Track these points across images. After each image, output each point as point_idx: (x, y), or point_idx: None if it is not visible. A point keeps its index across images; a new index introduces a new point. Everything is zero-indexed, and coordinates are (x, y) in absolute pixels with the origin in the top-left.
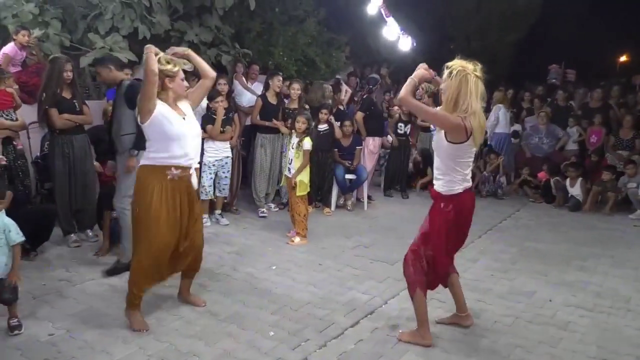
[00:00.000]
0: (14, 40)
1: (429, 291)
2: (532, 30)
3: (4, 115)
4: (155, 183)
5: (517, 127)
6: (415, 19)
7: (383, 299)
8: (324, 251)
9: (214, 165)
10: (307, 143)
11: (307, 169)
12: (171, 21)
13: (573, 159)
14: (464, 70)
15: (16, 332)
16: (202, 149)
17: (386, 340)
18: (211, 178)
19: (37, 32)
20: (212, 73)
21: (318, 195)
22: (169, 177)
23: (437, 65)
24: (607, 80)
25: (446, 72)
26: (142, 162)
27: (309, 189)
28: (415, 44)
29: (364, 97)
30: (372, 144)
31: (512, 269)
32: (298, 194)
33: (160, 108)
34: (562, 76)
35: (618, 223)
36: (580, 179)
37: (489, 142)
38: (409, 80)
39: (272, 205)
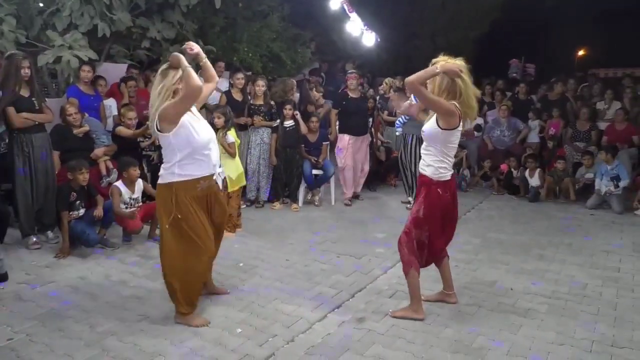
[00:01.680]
0: None
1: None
2: (493, 26)
3: None
4: (189, 197)
5: (479, 120)
6: (379, 16)
7: (350, 293)
8: (291, 247)
9: None
10: (230, 137)
11: (238, 165)
12: (132, 17)
13: (529, 150)
14: (440, 62)
15: None
16: None
17: (353, 333)
18: None
19: None
20: (216, 77)
21: (286, 192)
22: (199, 189)
23: (402, 62)
24: (566, 74)
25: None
26: (169, 178)
27: (241, 184)
28: (379, 40)
29: (339, 92)
30: (347, 140)
31: (475, 260)
32: (229, 190)
33: (185, 116)
34: (522, 70)
35: (575, 212)
36: (538, 169)
37: None
38: (430, 68)
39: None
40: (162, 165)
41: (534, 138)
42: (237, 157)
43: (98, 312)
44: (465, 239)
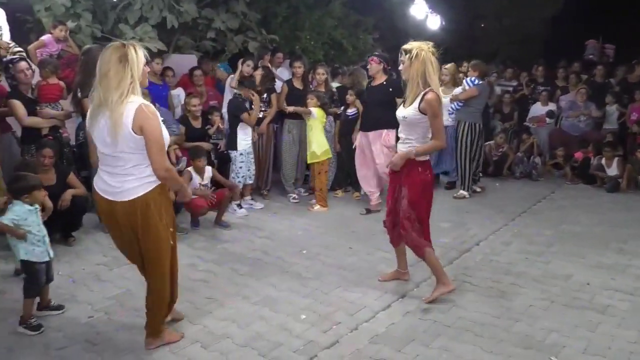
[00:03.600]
0: (51, 34)
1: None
2: (567, 4)
3: (51, 107)
4: (167, 203)
5: (551, 106)
6: None
7: (415, 283)
8: (354, 235)
9: (247, 153)
10: (314, 111)
11: (323, 141)
12: (198, 9)
13: (609, 137)
14: (423, 51)
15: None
16: (235, 137)
17: (418, 324)
18: (245, 165)
19: (69, 24)
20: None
21: (347, 180)
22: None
23: (466, 46)
24: None
25: (405, 55)
26: (148, 186)
27: (321, 158)
28: (444, 23)
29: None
30: (358, 137)
31: (547, 252)
32: (309, 161)
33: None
34: (600, 52)
35: None
36: (617, 158)
37: (526, 122)
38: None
39: (302, 190)
40: (131, 178)
41: (612, 124)
42: (322, 134)
43: None
44: (536, 230)
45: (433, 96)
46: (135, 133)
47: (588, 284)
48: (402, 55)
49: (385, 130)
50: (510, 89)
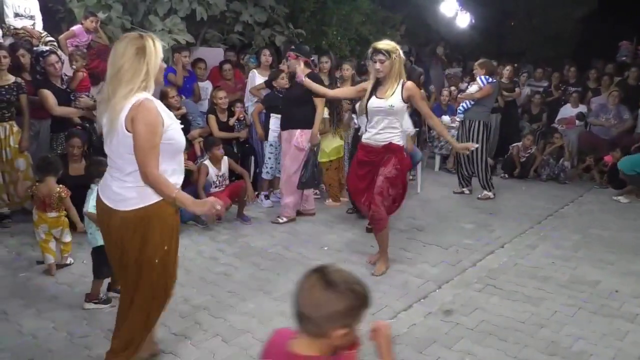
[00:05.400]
0: (82, 24)
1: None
2: (602, 2)
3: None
4: (173, 215)
5: (582, 108)
6: None
7: (437, 284)
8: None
9: (277, 145)
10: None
11: (331, 140)
12: (227, 2)
13: None
14: (398, 49)
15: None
16: (268, 128)
17: (440, 326)
18: (273, 157)
19: (100, 16)
20: None
21: None
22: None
23: (495, 43)
24: None
25: (388, 55)
26: (148, 198)
27: (331, 156)
28: (473, 21)
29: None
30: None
31: (574, 257)
32: (319, 159)
33: (167, 117)
34: (634, 53)
35: None
36: None
37: (554, 123)
38: None
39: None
40: (121, 184)
41: None
42: (331, 133)
43: (192, 286)
44: (563, 234)
45: (412, 83)
46: (128, 131)
47: (617, 291)
48: (377, 55)
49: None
50: (541, 89)
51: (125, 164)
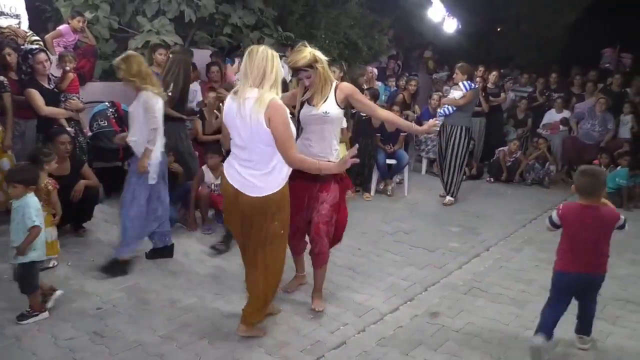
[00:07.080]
0: (69, 24)
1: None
2: (586, 11)
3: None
4: (288, 195)
5: (566, 113)
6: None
7: (423, 286)
8: (363, 236)
9: None
10: None
11: None
12: (215, 4)
13: (625, 147)
14: (315, 56)
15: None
16: None
17: (426, 328)
18: None
19: (87, 15)
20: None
21: (357, 181)
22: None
23: (484, 49)
24: None
25: (312, 69)
26: (281, 182)
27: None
28: (460, 26)
29: None
30: None
31: None
32: None
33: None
34: (617, 60)
35: None
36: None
37: (539, 128)
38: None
39: None
40: (251, 173)
41: (625, 133)
42: None
43: (178, 289)
44: (548, 237)
45: (345, 83)
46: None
47: (599, 294)
48: (301, 73)
49: None
50: (525, 94)
51: (262, 156)
